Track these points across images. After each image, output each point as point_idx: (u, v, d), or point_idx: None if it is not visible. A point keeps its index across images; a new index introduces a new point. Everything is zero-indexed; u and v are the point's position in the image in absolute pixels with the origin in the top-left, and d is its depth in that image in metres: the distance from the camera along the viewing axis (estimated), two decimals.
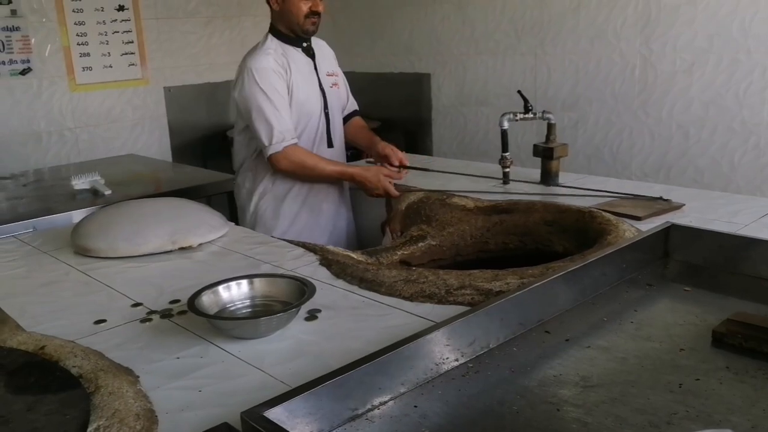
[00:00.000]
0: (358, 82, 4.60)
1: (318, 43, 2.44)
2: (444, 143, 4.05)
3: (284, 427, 0.85)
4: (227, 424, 0.88)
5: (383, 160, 2.33)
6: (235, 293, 1.33)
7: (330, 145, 2.39)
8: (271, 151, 2.21)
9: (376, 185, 2.21)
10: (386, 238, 2.19)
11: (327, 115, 2.37)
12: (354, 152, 2.94)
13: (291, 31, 2.29)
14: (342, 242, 2.41)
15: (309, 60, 2.35)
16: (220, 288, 1.32)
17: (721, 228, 1.68)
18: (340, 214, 2.49)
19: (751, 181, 2.91)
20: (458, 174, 2.46)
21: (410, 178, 2.24)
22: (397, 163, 2.29)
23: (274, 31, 2.32)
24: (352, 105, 2.58)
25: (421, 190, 2.20)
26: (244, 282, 1.34)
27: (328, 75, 2.42)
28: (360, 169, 2.30)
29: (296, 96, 2.27)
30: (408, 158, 2.39)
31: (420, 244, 1.94)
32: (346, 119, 2.54)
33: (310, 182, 2.32)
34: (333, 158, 2.40)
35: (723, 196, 2.13)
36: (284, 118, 2.21)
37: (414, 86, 4.14)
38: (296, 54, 2.32)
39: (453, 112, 4.00)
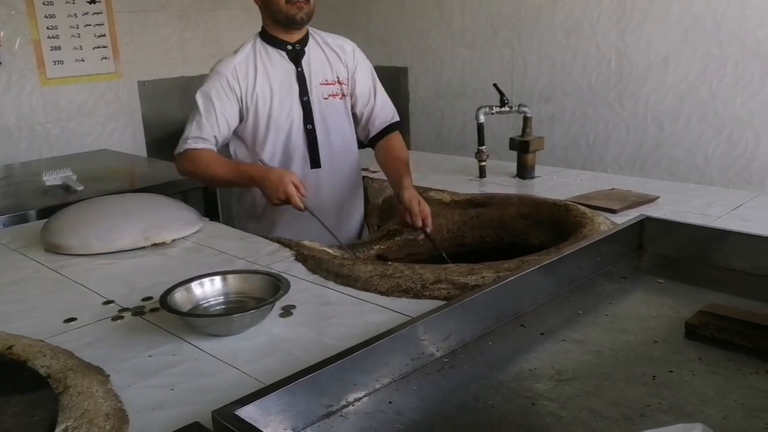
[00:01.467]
0: None
1: (329, 45, 2.09)
2: (421, 137, 4.04)
3: (256, 425, 0.84)
4: (198, 423, 0.86)
5: (406, 213, 1.86)
6: (209, 290, 1.31)
7: (315, 165, 2.06)
8: (175, 153, 2.00)
9: (277, 187, 1.80)
10: (364, 232, 2.18)
11: (310, 131, 2.04)
12: None
13: (276, 25, 1.99)
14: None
15: (291, 67, 2.02)
16: (193, 285, 1.30)
17: (695, 220, 1.69)
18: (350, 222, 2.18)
19: (724, 172, 2.94)
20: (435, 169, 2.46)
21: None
22: (418, 225, 1.84)
23: (263, 31, 2.05)
24: (384, 116, 2.15)
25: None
26: (218, 278, 1.32)
27: (325, 84, 2.06)
28: (261, 169, 1.90)
29: (264, 106, 1.99)
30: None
31: (397, 239, 1.93)
32: (380, 136, 2.14)
33: (216, 186, 2.07)
34: (321, 179, 2.06)
35: (697, 189, 2.15)
36: (203, 124, 1.95)
37: (391, 80, 4.12)
38: (277, 59, 2.01)
39: (430, 106, 4.00)
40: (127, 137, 3.90)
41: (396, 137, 2.15)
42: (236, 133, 2.05)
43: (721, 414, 0.93)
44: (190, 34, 4.11)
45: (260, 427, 0.84)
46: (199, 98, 1.98)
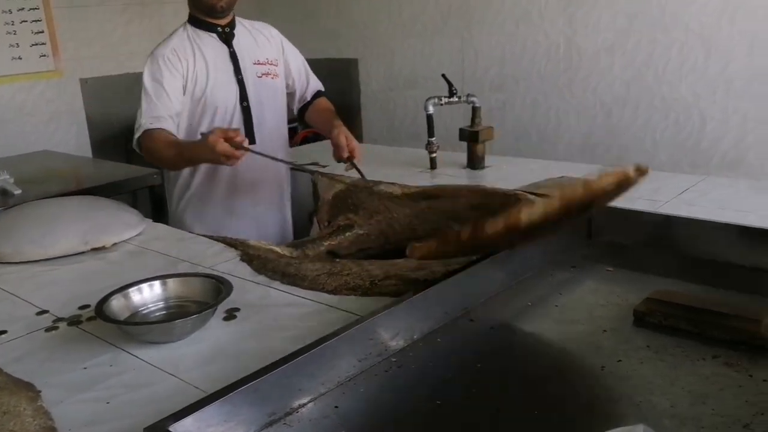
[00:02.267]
0: None
1: (254, 29, 2.20)
2: (374, 129, 4.01)
3: None
4: None
5: (335, 148, 2.04)
6: (148, 296, 1.26)
7: (251, 141, 2.09)
8: (134, 144, 2.00)
9: (214, 157, 1.72)
10: (314, 228, 2.14)
11: (245, 108, 2.11)
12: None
13: (201, 12, 2.08)
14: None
15: (224, 47, 2.10)
16: (131, 291, 1.25)
17: (643, 205, 1.70)
18: (275, 216, 2.28)
19: (672, 156, 2.98)
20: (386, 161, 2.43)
21: (337, 168, 2.18)
22: (344, 156, 1.99)
23: (190, 17, 2.13)
24: (314, 86, 2.34)
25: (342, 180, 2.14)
26: (157, 283, 1.27)
27: (258, 63, 2.15)
28: (193, 147, 1.88)
29: (200, 86, 2.05)
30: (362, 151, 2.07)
31: (347, 234, 1.90)
32: (310, 102, 2.32)
33: (173, 169, 2.13)
34: (256, 158, 2.02)
35: None
36: (154, 103, 1.98)
37: (342, 72, 4.08)
38: (209, 40, 2.09)
39: (382, 98, 3.97)
40: (70, 137, 3.76)
41: (323, 98, 2.33)
42: None
43: (669, 402, 0.92)
44: (135, 29, 3.99)
45: None
46: (146, 80, 2.01)
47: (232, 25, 2.13)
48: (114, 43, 3.91)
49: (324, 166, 2.35)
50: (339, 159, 2.02)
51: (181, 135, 2.08)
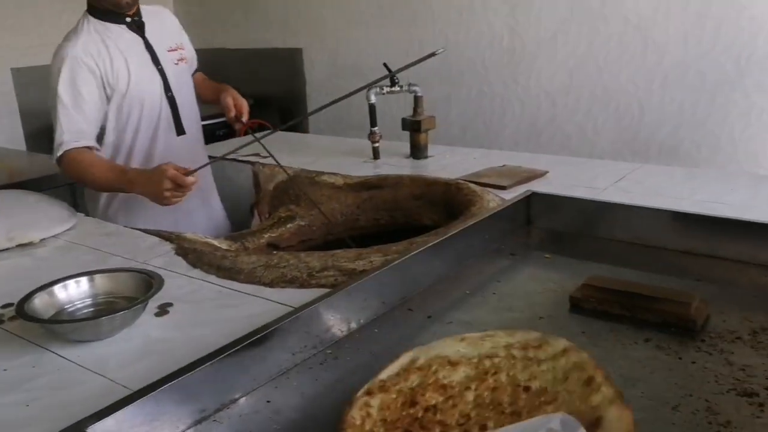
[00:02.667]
0: (229, 59, 4.44)
1: (155, 14, 2.09)
2: (320, 118, 3.95)
3: None
4: None
5: (224, 111, 2.04)
6: (74, 292, 1.21)
7: (180, 132, 2.07)
8: (53, 159, 1.87)
9: (158, 197, 1.68)
10: (255, 220, 2.10)
11: (171, 98, 2.03)
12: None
13: (102, 5, 1.92)
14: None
15: (137, 38, 1.98)
16: (56, 288, 1.19)
17: (581, 193, 1.71)
18: (208, 208, 2.22)
19: (612, 144, 3.03)
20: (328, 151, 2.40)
21: (279, 158, 2.15)
22: (231, 115, 2.01)
23: (90, 7, 1.95)
24: (196, 64, 2.27)
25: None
26: (84, 279, 1.22)
27: (171, 50, 2.07)
28: (137, 174, 1.78)
29: (123, 83, 1.92)
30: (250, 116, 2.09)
31: (288, 225, 1.87)
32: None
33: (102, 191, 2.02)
34: (186, 147, 2.07)
35: (584, 162, 2.19)
36: (73, 117, 1.85)
37: (287, 61, 4.03)
38: (120, 32, 1.95)
39: (328, 87, 3.92)
40: (1, 129, 3.62)
41: (199, 73, 2.28)
42: None
43: None
44: (69, 18, 3.82)
45: None
46: (61, 87, 1.84)
47: (139, 13, 2.02)
48: (47, 31, 3.74)
49: (266, 156, 2.31)
50: (230, 121, 2.05)
51: (108, 136, 1.98)
